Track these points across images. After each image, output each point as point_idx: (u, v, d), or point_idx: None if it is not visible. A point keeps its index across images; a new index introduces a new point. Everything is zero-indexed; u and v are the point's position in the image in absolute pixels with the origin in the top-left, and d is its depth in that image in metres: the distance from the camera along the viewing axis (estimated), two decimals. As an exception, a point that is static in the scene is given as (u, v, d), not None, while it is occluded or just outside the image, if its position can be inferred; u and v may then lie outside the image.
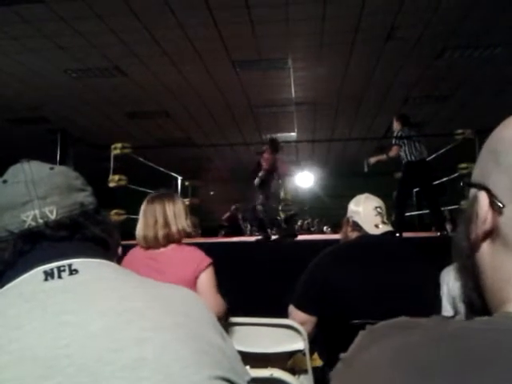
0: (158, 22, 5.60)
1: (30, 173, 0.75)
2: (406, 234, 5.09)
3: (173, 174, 7.71)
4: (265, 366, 1.85)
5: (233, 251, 3.88)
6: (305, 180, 12.99)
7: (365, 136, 10.91)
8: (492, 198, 0.46)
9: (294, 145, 12.02)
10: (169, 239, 2.13)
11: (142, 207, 2.22)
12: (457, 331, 0.41)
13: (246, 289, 3.14)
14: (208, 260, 2.13)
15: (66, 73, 7.10)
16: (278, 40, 6.15)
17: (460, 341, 0.40)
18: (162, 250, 2.13)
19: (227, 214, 10.73)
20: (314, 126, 10.54)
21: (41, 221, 0.71)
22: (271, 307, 2.02)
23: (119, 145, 4.76)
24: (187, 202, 7.67)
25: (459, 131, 5.44)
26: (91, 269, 0.70)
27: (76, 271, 0.68)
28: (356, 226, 1.94)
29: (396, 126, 5.54)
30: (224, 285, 2.15)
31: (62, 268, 0.67)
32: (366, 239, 1.89)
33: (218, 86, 7.80)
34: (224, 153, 12.53)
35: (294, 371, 1.97)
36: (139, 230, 2.18)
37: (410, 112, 5.96)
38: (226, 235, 9.69)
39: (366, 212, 1.93)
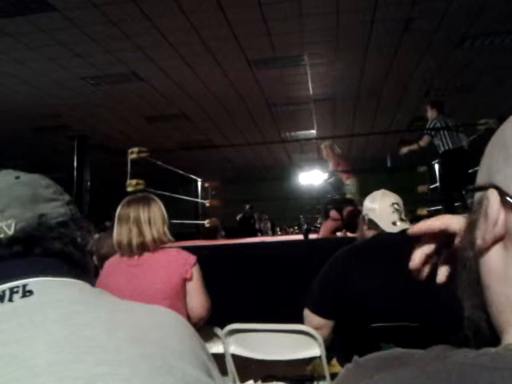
0: (172, 26, 5.58)
1: None
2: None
3: (192, 176, 7.69)
4: (282, 373, 1.79)
5: (243, 254, 3.80)
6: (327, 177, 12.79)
7: (386, 130, 10.71)
8: (504, 195, 0.39)
9: (315, 142, 11.91)
10: (143, 248, 2.03)
11: (117, 211, 2.11)
12: (455, 369, 0.34)
13: (257, 293, 3.07)
14: (193, 259, 2.06)
15: (83, 80, 7.16)
16: (293, 36, 6.06)
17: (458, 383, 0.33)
18: (145, 254, 2.03)
19: (240, 215, 10.61)
20: (334, 123, 10.41)
21: None
22: (285, 311, 1.95)
23: (136, 149, 4.75)
24: (207, 204, 7.67)
25: (483, 121, 5.25)
26: (49, 290, 0.61)
27: (30, 293, 0.59)
28: (372, 224, 1.85)
29: (431, 113, 5.36)
30: (232, 289, 2.09)
31: (14, 289, 0.59)
32: (382, 238, 1.80)
33: (234, 86, 7.76)
34: (244, 153, 12.49)
35: (313, 377, 1.89)
36: (114, 236, 2.08)
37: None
38: (227, 237, 9.62)
39: (383, 209, 1.84)
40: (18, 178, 0.71)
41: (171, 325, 0.63)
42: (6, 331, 0.55)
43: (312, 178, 13.15)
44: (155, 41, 5.93)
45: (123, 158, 5.24)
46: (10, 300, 0.58)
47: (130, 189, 4.80)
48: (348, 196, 6.10)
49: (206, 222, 7.61)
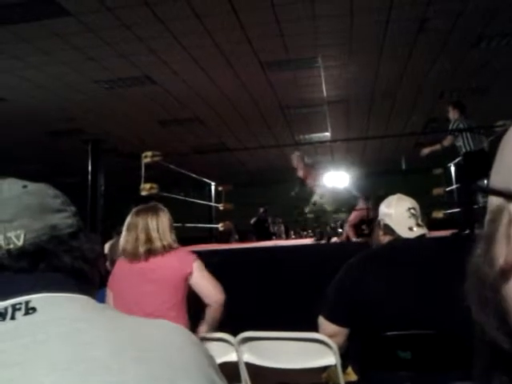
0: (186, 29, 5.59)
1: None
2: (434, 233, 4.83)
3: (206, 180, 7.69)
4: (296, 382, 1.76)
5: (257, 258, 3.77)
6: (340, 180, 12.73)
7: (401, 133, 10.60)
8: None
9: (329, 145, 11.84)
10: (150, 253, 2.13)
11: (127, 220, 2.23)
12: None
13: (271, 299, 3.04)
14: (192, 257, 2.18)
15: (97, 84, 7.21)
16: (307, 38, 6.03)
17: None
18: (150, 260, 2.14)
19: (254, 219, 10.58)
20: (348, 125, 10.34)
21: (5, 247, 0.62)
22: (300, 318, 1.92)
23: (149, 153, 4.76)
24: (221, 208, 7.66)
25: (500, 123, 5.17)
26: (52, 307, 0.59)
27: (34, 310, 0.57)
28: (388, 230, 1.81)
29: (453, 114, 5.29)
30: (246, 295, 2.09)
31: (17, 306, 0.57)
32: (398, 243, 1.76)
33: (248, 88, 7.75)
34: (258, 157, 12.47)
35: (327, 385, 1.86)
36: (121, 243, 2.19)
37: (446, 106, 5.72)
38: (240, 241, 9.60)
39: (399, 214, 1.80)
40: (25, 187, 0.69)
41: (178, 342, 0.61)
42: (8, 352, 0.52)
43: (327, 180, 13.06)
44: (168, 44, 5.94)
45: (137, 162, 5.26)
46: (13, 318, 0.56)
47: (144, 193, 4.82)
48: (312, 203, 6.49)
49: (220, 226, 7.61)
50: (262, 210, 10.58)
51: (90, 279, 0.70)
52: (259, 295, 3.14)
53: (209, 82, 7.32)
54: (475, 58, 6.76)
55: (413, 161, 7.26)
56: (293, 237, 10.81)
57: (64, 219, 0.70)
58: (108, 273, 2.36)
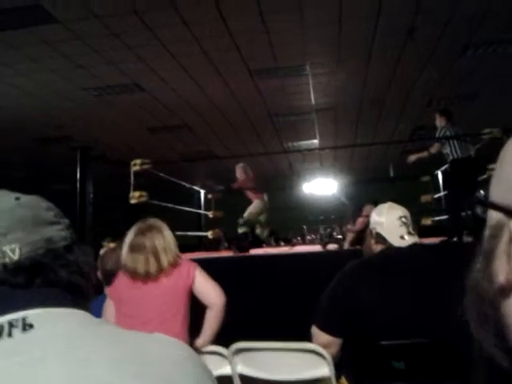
0: (174, 37, 5.59)
1: None
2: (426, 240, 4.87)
3: (194, 187, 7.67)
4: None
5: (243, 266, 3.75)
6: (328, 187, 12.81)
7: (389, 140, 10.68)
8: None
9: (317, 152, 11.88)
10: (160, 273, 2.16)
11: (130, 238, 2.22)
12: None
13: (264, 309, 3.02)
14: (193, 266, 2.22)
15: (86, 91, 7.16)
16: (295, 46, 6.06)
17: None
18: (159, 278, 2.16)
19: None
20: (336, 132, 10.40)
21: (1, 261, 0.61)
22: (293, 328, 1.91)
23: (138, 161, 4.73)
24: (211, 215, 7.64)
25: (487, 130, 5.22)
26: (49, 323, 0.58)
27: (30, 326, 0.56)
28: (380, 238, 1.81)
29: (440, 121, 5.34)
30: (237, 304, 2.09)
31: (14, 323, 0.56)
32: (391, 252, 1.76)
33: (236, 96, 7.76)
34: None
35: (320, 396, 1.85)
36: (128, 262, 2.18)
37: (433, 113, 5.78)
38: (229, 249, 9.53)
39: (390, 222, 1.80)
40: (17, 199, 0.68)
41: (176, 356, 0.60)
42: (5, 370, 0.51)
43: (315, 187, 13.11)
44: (157, 52, 5.93)
45: (126, 170, 5.23)
46: (10, 335, 0.55)
47: (133, 201, 4.79)
48: (245, 215, 6.81)
49: (209, 234, 7.57)
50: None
51: (85, 293, 0.69)
52: (252, 304, 3.12)
53: (197, 89, 7.31)
54: (462, 66, 6.84)
55: (400, 168, 7.31)
56: (282, 244, 10.79)
57: (58, 232, 0.69)
58: (99, 282, 2.34)
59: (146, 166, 4.70)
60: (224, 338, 2.02)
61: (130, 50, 5.86)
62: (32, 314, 0.58)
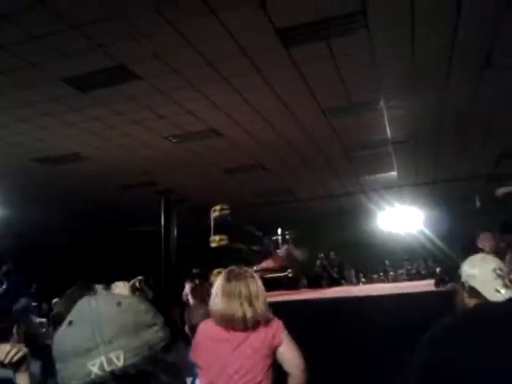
0: (247, 83, 5.79)
1: (96, 312, 0.70)
2: None
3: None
4: None
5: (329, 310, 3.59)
6: (411, 222, 12.31)
7: (473, 170, 10.13)
8: None
9: (396, 186, 11.56)
10: (256, 322, 2.08)
11: (221, 284, 2.17)
12: None
13: (346, 360, 2.90)
14: (282, 327, 2.13)
15: (167, 139, 7.56)
16: (367, 83, 6.04)
17: None
18: (248, 329, 2.09)
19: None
20: (416, 164, 10.06)
21: (108, 369, 0.65)
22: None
23: (218, 207, 4.87)
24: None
25: None
26: None
27: None
28: (473, 292, 1.69)
29: None
30: (317, 350, 2.04)
31: None
32: (490, 308, 1.63)
33: (310, 134, 7.81)
34: (321, 201, 12.42)
35: None
36: (220, 308, 2.11)
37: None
38: (309, 286, 9.35)
39: (484, 275, 1.68)
40: (119, 304, 0.72)
41: None
42: None
43: (394, 222, 12.67)
44: (232, 99, 6.17)
45: (206, 214, 5.40)
46: None
47: (213, 244, 4.91)
48: None
49: (289, 272, 7.53)
50: (332, 253, 10.37)
51: None
52: (330, 352, 3.02)
53: (272, 130, 7.47)
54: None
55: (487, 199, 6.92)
56: (363, 280, 10.50)
57: (156, 333, 0.73)
58: (187, 336, 2.37)
59: (225, 212, 4.82)
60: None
61: (206, 98, 6.14)
62: None
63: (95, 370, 0.65)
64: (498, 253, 3.98)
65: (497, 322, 1.57)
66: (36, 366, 2.31)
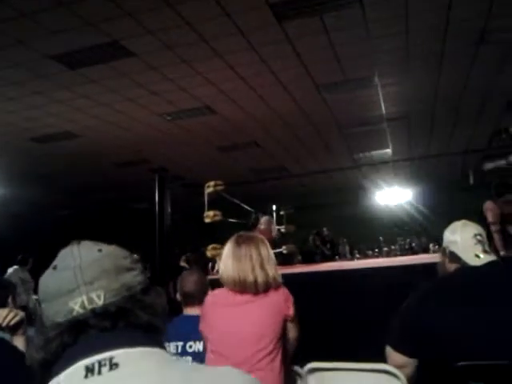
0: (241, 60, 5.77)
1: (78, 257, 0.75)
2: None
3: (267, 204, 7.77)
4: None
5: (322, 283, 3.70)
6: (402, 196, 12.47)
7: (466, 146, 10.18)
8: None
9: (391, 163, 11.61)
10: (267, 285, 2.04)
11: (231, 248, 2.12)
12: None
13: (339, 326, 3.01)
14: (291, 300, 2.09)
15: (161, 116, 7.55)
16: (362, 59, 6.03)
17: None
18: (260, 293, 2.04)
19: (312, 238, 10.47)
20: (410, 141, 10.10)
21: (89, 307, 0.71)
22: (369, 348, 1.91)
23: (212, 183, 4.91)
24: (283, 230, 7.70)
25: None
26: (132, 362, 0.67)
27: (116, 365, 0.65)
28: (454, 257, 1.77)
29: None
30: (313, 322, 2.09)
31: (102, 362, 0.66)
32: (466, 271, 1.72)
33: (304, 111, 7.82)
34: (317, 177, 12.46)
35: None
36: (232, 272, 2.05)
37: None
38: (303, 262, 9.48)
39: (465, 240, 1.76)
40: (100, 250, 0.78)
41: None
42: None
43: (388, 197, 12.80)
44: (226, 75, 6.15)
45: (200, 190, 5.44)
46: (99, 373, 0.65)
47: (207, 220, 4.97)
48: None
49: (284, 249, 7.63)
50: (325, 230, 10.50)
51: (160, 330, 0.78)
52: (327, 323, 3.11)
53: (266, 107, 7.46)
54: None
55: (481, 175, 7.02)
56: (357, 256, 10.63)
57: (135, 277, 0.78)
58: (178, 303, 2.43)
59: (219, 188, 4.87)
60: (299, 357, 2.04)
61: (201, 75, 6.12)
62: (117, 354, 0.67)
63: (77, 307, 0.71)
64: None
65: (473, 282, 1.66)
66: (32, 331, 2.38)
